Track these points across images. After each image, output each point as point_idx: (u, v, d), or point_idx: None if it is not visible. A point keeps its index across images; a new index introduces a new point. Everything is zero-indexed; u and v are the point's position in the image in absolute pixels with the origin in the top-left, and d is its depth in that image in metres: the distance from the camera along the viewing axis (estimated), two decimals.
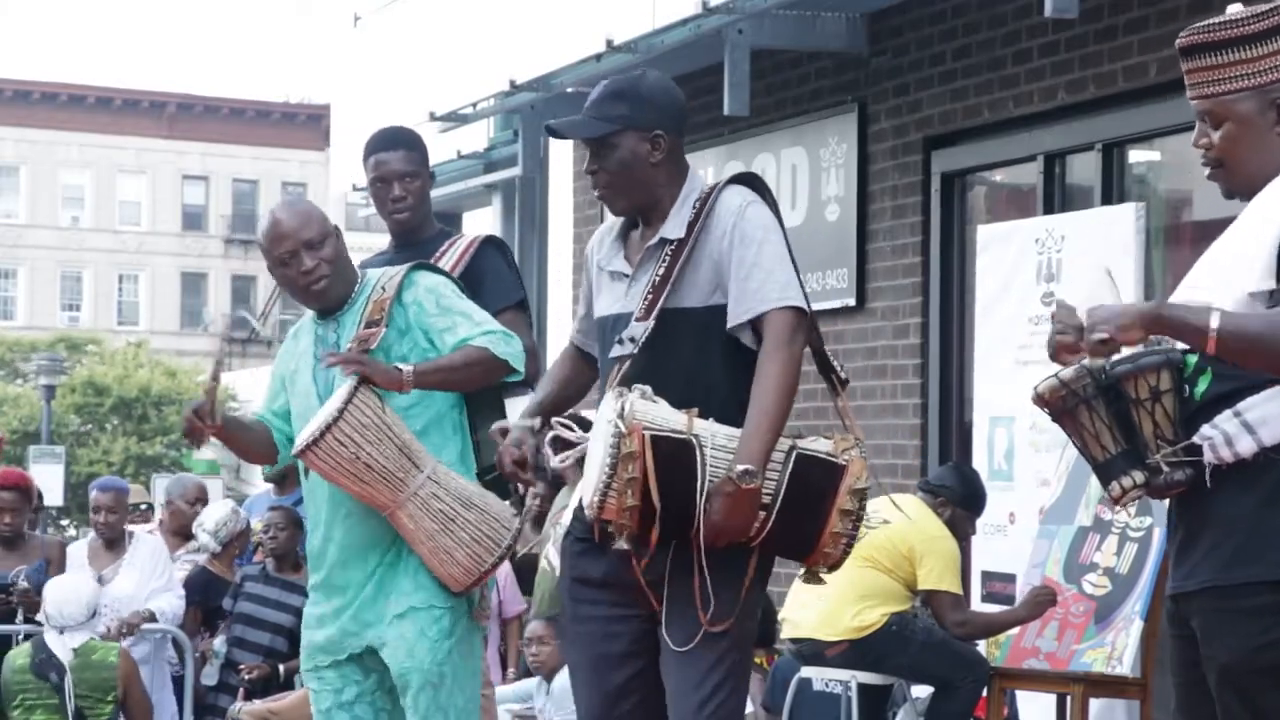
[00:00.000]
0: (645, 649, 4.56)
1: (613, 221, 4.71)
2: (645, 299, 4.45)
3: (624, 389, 4.31)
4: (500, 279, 5.59)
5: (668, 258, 4.46)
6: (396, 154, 5.83)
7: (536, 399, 4.74)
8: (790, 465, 4.36)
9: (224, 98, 60.85)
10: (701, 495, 4.27)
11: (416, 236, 5.88)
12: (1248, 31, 3.61)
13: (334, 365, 4.96)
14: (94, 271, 58.86)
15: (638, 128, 4.49)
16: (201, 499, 10.46)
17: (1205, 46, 3.64)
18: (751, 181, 4.61)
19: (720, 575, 4.37)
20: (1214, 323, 3.44)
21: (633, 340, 4.41)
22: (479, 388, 5.11)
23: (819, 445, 4.45)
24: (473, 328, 5.03)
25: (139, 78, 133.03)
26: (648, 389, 4.31)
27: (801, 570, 4.56)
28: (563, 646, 4.80)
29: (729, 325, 4.44)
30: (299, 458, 5.02)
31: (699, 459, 4.28)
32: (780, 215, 4.57)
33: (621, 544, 4.31)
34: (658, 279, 4.45)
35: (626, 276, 4.54)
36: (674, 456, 4.26)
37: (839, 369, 4.65)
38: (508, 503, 5.19)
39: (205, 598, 9.62)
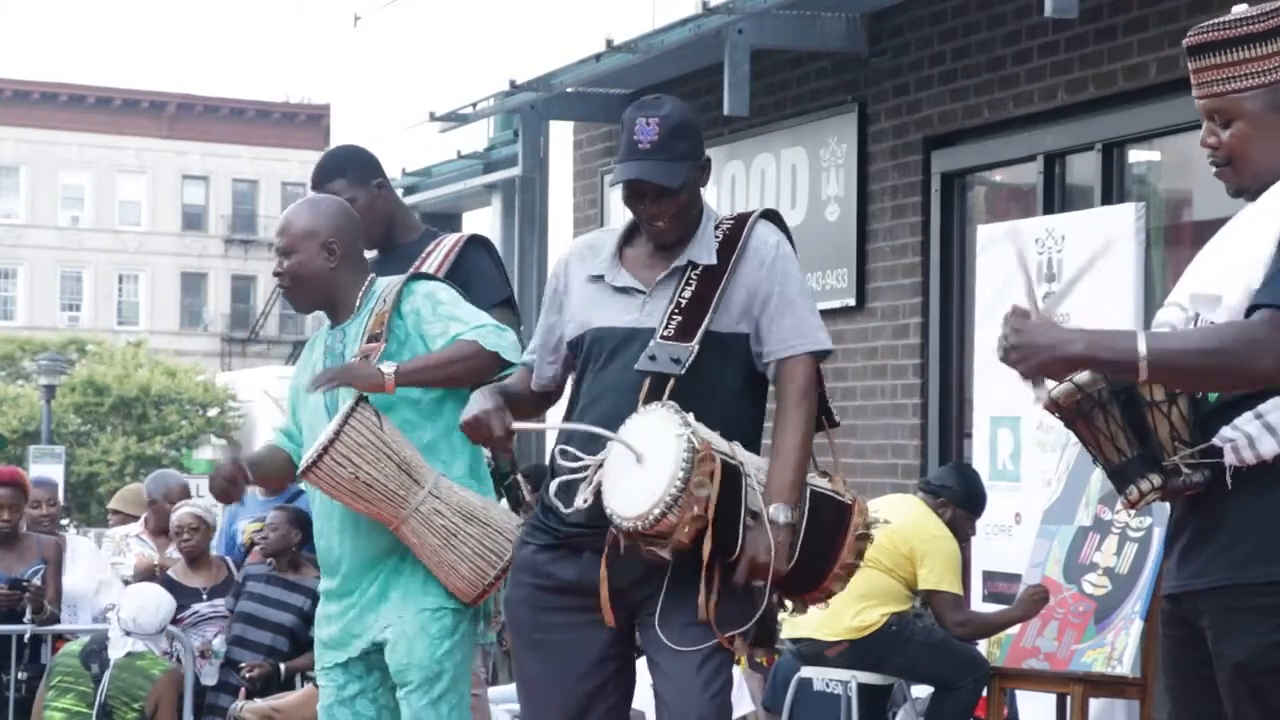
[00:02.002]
0: (618, 653, 4.57)
1: (596, 236, 4.72)
2: (674, 319, 4.46)
3: (674, 406, 4.31)
4: (486, 278, 5.56)
5: (695, 281, 4.50)
6: (328, 186, 5.72)
7: (503, 385, 4.71)
8: (807, 502, 4.42)
9: (224, 98, 60.84)
10: (741, 523, 4.31)
11: (396, 242, 5.81)
12: (1255, 30, 3.62)
13: (318, 390, 4.99)
14: (94, 271, 58.86)
15: (696, 158, 4.54)
16: (186, 497, 10.38)
17: (1213, 45, 3.65)
18: (777, 220, 4.67)
19: (727, 590, 4.40)
20: (1141, 349, 3.42)
21: (676, 361, 4.41)
22: (472, 381, 5.06)
23: (824, 483, 4.53)
24: (464, 326, 5.03)
25: (139, 78, 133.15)
26: (676, 406, 4.32)
27: (789, 603, 4.59)
28: (520, 655, 4.73)
29: (765, 360, 4.52)
30: (302, 478, 5.05)
31: (744, 486, 4.33)
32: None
33: (665, 555, 4.30)
34: (686, 301, 4.48)
35: (640, 293, 4.54)
36: (731, 481, 4.31)
37: (833, 411, 4.72)
38: (518, 513, 5.19)
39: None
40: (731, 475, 4.30)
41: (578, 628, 4.53)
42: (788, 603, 4.57)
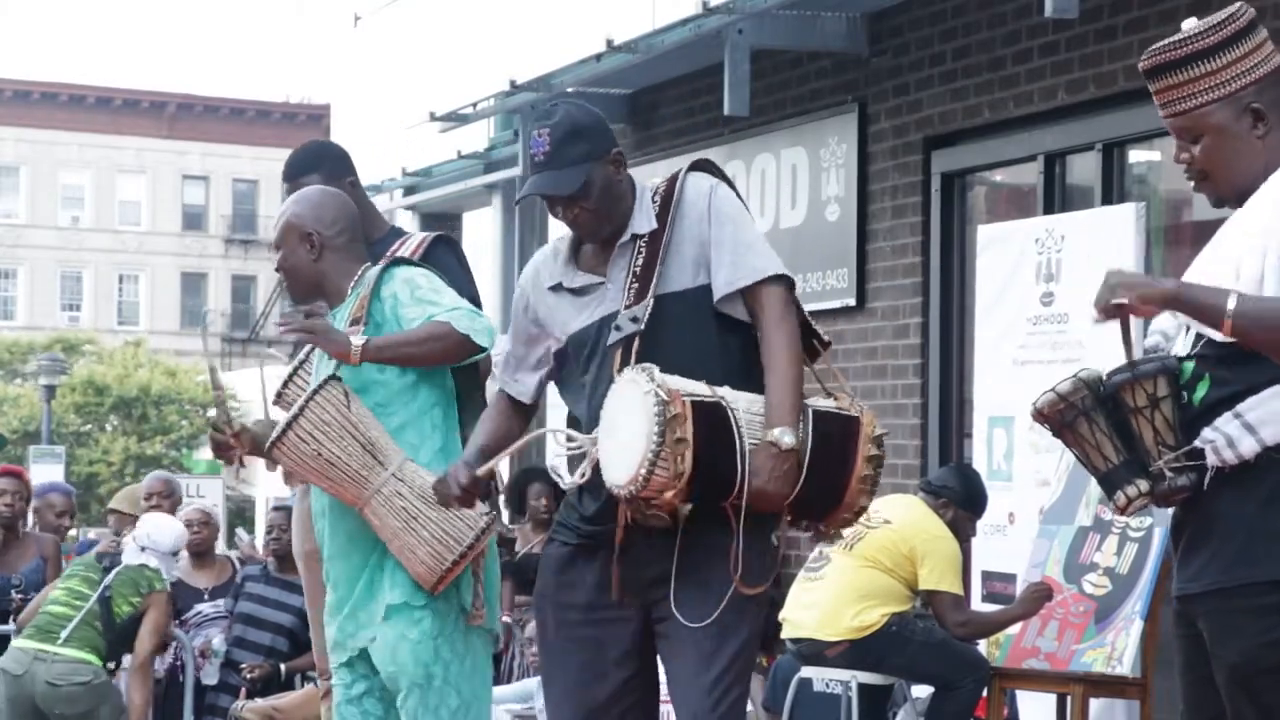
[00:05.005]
0: (639, 651, 4.57)
1: (551, 247, 4.75)
2: (629, 289, 4.50)
3: (642, 366, 4.33)
4: (451, 278, 5.52)
5: (643, 249, 4.53)
6: (303, 180, 5.72)
7: (476, 444, 4.75)
8: (811, 424, 4.40)
9: (224, 98, 60.83)
10: (741, 456, 4.30)
11: (365, 239, 5.81)
12: (1208, 44, 3.65)
13: (287, 333, 5.01)
14: (94, 271, 58.86)
15: (600, 157, 4.55)
16: (147, 499, 10.31)
17: (1169, 65, 3.68)
18: (710, 168, 4.69)
19: (747, 542, 4.35)
20: (1231, 305, 3.45)
21: (635, 320, 4.45)
22: (442, 363, 5.08)
23: (827, 403, 4.51)
24: (439, 309, 5.03)
25: (139, 78, 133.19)
26: (645, 365, 4.33)
27: (817, 535, 4.57)
28: (543, 653, 4.75)
29: (717, 298, 4.51)
30: (269, 453, 5.05)
31: (733, 419, 4.32)
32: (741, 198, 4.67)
33: (666, 518, 4.30)
34: (638, 269, 4.51)
35: (600, 284, 4.57)
36: (713, 418, 4.30)
37: (820, 333, 4.70)
38: (486, 503, 5.15)
39: None
40: (710, 413, 4.29)
41: (596, 627, 4.55)
42: (821, 528, 4.54)
